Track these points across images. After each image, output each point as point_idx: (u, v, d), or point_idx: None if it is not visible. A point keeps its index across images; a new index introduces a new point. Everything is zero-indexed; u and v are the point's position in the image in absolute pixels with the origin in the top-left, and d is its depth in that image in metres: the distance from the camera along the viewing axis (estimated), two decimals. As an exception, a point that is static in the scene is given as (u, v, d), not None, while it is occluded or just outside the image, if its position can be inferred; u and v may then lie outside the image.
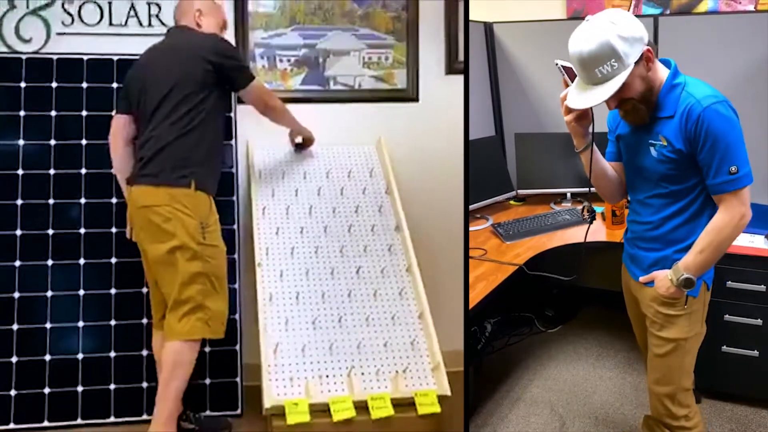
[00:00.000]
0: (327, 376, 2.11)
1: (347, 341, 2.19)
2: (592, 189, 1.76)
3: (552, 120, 2.90)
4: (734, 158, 1.46)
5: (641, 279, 1.68)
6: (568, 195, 2.83)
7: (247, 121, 2.60)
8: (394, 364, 2.16)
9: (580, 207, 2.71)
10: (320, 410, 2.01)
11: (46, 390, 2.30)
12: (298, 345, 2.16)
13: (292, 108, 2.68)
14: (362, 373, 2.13)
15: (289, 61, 2.71)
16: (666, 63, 1.57)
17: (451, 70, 2.79)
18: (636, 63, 1.45)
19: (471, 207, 2.63)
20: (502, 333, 2.86)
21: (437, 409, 2.04)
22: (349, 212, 2.51)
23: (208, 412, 2.38)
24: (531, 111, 3.00)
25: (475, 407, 2.35)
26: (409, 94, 2.77)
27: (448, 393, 2.08)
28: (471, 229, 2.56)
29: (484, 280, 2.09)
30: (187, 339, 2.03)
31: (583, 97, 1.49)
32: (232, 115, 2.56)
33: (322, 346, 2.17)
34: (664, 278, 1.59)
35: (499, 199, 2.78)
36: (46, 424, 2.28)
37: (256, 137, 2.64)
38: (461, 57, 2.78)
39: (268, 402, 2.01)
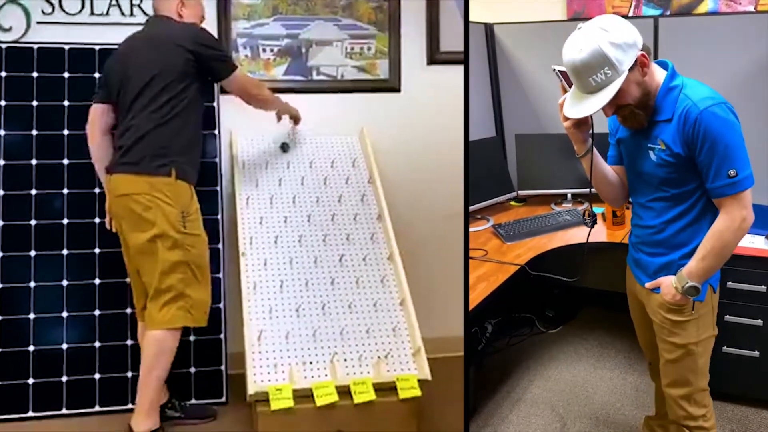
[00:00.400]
0: (310, 363, 2.15)
1: (330, 328, 2.23)
2: (593, 190, 1.76)
3: (552, 121, 2.92)
4: (733, 161, 1.44)
5: (647, 285, 1.67)
6: (569, 196, 2.87)
7: (230, 111, 2.62)
8: (376, 349, 2.20)
9: (580, 208, 2.74)
10: (304, 396, 2.05)
11: (30, 380, 2.32)
12: (281, 332, 2.20)
13: (275, 98, 2.71)
14: (345, 359, 2.17)
15: (272, 51, 2.73)
16: (663, 65, 1.55)
17: (432, 60, 2.83)
18: (631, 69, 1.44)
19: (471, 208, 2.66)
20: (502, 333, 2.89)
21: (418, 393, 2.09)
22: (332, 201, 2.54)
23: (193, 401, 2.41)
24: (531, 112, 3.03)
25: (476, 408, 2.39)
26: (391, 84, 2.81)
27: (429, 377, 2.13)
28: (472, 230, 2.59)
29: (484, 281, 2.10)
30: (169, 328, 2.05)
31: (578, 106, 1.49)
32: (215, 104, 2.58)
33: (306, 333, 2.21)
34: (669, 285, 1.58)
35: (500, 200, 2.81)
36: (30, 414, 2.30)
37: (239, 127, 2.66)
38: (443, 47, 2.81)
39: (252, 388, 2.05)
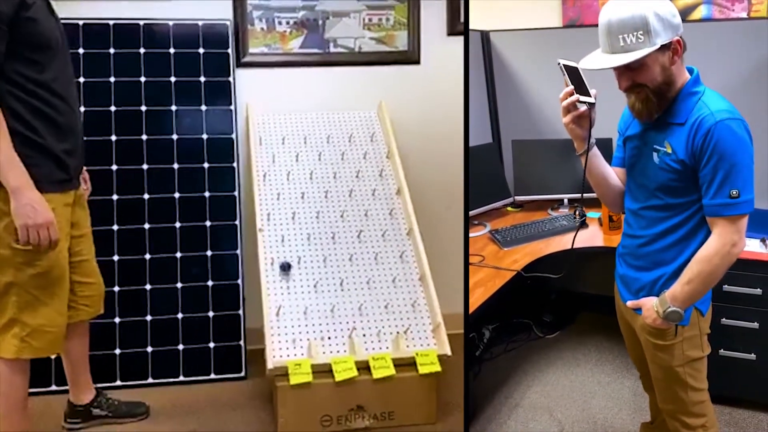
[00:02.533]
0: (329, 338, 2.21)
1: (348, 303, 2.29)
2: (586, 195, 1.73)
3: (549, 126, 2.99)
4: (737, 181, 1.41)
5: (629, 304, 1.65)
6: (565, 201, 2.90)
7: (246, 85, 2.67)
8: (395, 325, 2.26)
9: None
10: (323, 371, 2.12)
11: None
12: (300, 308, 2.26)
13: (292, 72, 2.75)
14: (363, 335, 2.23)
15: (287, 23, 2.75)
16: (689, 70, 1.54)
17: (452, 31, 2.83)
18: (662, 49, 1.42)
19: (469, 213, 2.70)
20: (500, 339, 2.95)
21: (438, 368, 2.14)
22: (349, 177, 2.58)
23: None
24: (528, 118, 3.09)
25: (474, 413, 2.44)
26: (410, 57, 2.82)
27: (449, 353, 2.18)
28: (469, 235, 2.63)
29: (482, 287, 2.11)
30: (3, 357, 1.82)
31: (598, 60, 1.46)
32: (230, 79, 2.63)
33: (324, 309, 2.27)
34: (650, 308, 1.55)
35: (497, 206, 2.86)
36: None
37: (255, 101, 2.71)
38: (463, 18, 2.81)
39: (271, 363, 2.11)
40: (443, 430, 2.19)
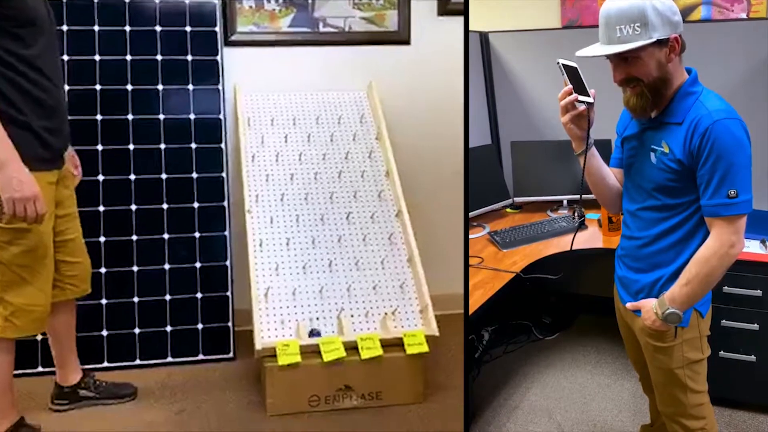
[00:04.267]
0: (317, 318, 2.24)
1: (337, 285, 2.32)
2: (584, 196, 1.74)
3: (548, 128, 3.02)
4: (735, 181, 1.42)
5: (628, 306, 1.67)
6: (565, 202, 2.93)
7: (234, 64, 2.66)
8: (383, 306, 2.29)
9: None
10: (311, 351, 2.15)
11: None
12: (288, 289, 2.29)
13: (281, 51, 2.75)
14: (352, 315, 2.26)
15: (276, 1, 2.74)
16: (687, 70, 1.55)
17: (444, 11, 2.84)
18: (659, 44, 1.44)
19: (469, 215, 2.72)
20: (499, 341, 2.98)
21: (425, 348, 2.18)
22: (338, 158, 2.60)
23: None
24: (527, 119, 3.11)
25: (474, 415, 2.47)
26: (400, 37, 2.82)
27: (436, 333, 2.22)
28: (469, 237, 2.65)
29: (481, 288, 2.13)
30: None
31: (593, 49, 1.49)
32: (218, 58, 2.62)
33: (313, 290, 2.29)
34: (649, 310, 1.57)
35: (496, 207, 2.89)
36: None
37: (243, 81, 2.70)
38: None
39: (259, 344, 2.14)
40: (431, 410, 2.23)
